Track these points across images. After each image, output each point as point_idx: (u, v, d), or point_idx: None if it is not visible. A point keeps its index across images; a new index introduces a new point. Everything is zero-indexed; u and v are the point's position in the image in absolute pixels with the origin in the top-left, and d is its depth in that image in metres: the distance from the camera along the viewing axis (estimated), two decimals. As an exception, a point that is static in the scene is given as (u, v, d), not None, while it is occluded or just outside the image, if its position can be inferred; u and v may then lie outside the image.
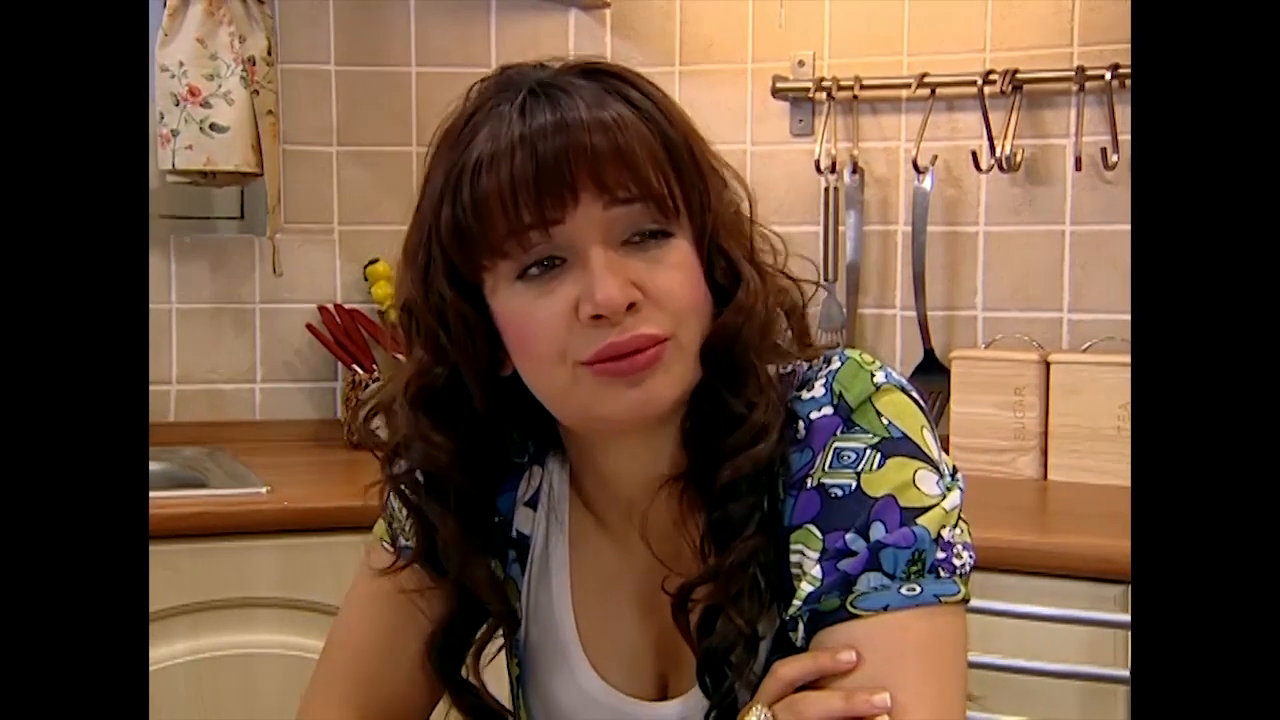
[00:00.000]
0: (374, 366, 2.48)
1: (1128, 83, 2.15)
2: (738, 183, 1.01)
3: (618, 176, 0.92)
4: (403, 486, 1.03)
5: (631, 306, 0.92)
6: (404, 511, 1.05)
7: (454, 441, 1.00)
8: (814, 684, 0.91)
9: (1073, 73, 2.21)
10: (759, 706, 0.90)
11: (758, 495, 0.95)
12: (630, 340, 0.92)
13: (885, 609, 0.91)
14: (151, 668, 1.78)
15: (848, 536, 0.92)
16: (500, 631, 1.07)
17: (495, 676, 1.09)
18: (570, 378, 0.94)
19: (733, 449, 0.95)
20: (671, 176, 0.94)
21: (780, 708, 0.90)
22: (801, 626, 0.93)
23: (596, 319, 0.91)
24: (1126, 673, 1.63)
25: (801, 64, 2.41)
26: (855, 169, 2.37)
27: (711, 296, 0.96)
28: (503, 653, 1.09)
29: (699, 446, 0.97)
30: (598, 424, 0.98)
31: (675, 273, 0.94)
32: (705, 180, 0.97)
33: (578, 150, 0.91)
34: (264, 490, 2.06)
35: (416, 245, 0.98)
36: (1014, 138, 2.23)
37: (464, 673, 1.07)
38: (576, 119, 0.92)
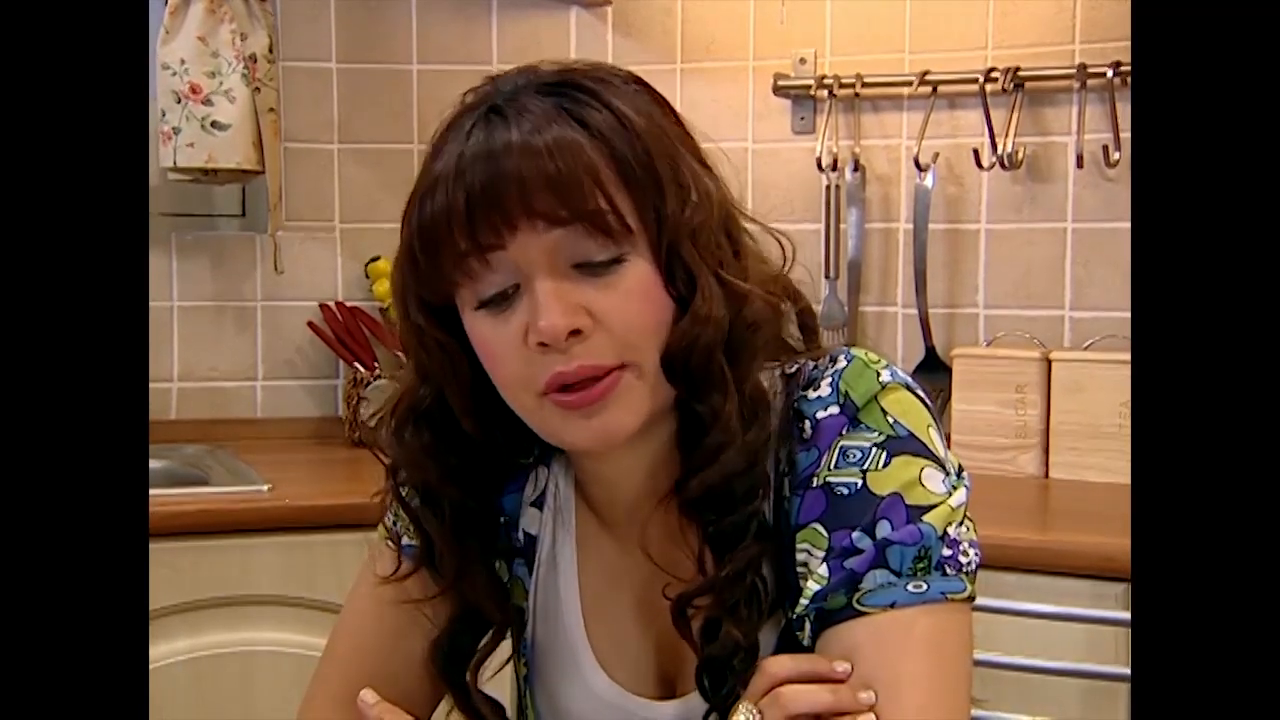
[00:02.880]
0: (375, 364, 2.48)
1: (1129, 80, 2.15)
2: (723, 188, 0.99)
3: (548, 202, 0.91)
4: (403, 494, 1.04)
5: (578, 333, 0.92)
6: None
7: (443, 464, 1.01)
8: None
9: (1074, 70, 2.21)
10: (746, 705, 0.90)
11: (755, 504, 0.95)
12: (577, 370, 0.92)
13: (892, 606, 0.91)
14: (152, 666, 1.78)
15: (854, 535, 0.92)
16: (505, 639, 1.07)
17: (498, 677, 1.08)
18: (536, 404, 0.95)
19: (702, 458, 0.95)
20: (620, 195, 0.93)
21: (765, 702, 0.90)
22: (808, 625, 0.93)
23: (543, 346, 0.92)
24: (1127, 670, 1.63)
25: (803, 61, 2.41)
26: (856, 167, 2.37)
27: (676, 306, 0.95)
28: (507, 661, 1.09)
29: (687, 455, 0.97)
30: (567, 448, 1.00)
31: (628, 297, 0.93)
32: (664, 193, 0.94)
33: (505, 178, 0.91)
34: (265, 488, 2.06)
35: (395, 265, 0.98)
36: (1015, 135, 2.23)
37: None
38: (506, 145, 0.91)
